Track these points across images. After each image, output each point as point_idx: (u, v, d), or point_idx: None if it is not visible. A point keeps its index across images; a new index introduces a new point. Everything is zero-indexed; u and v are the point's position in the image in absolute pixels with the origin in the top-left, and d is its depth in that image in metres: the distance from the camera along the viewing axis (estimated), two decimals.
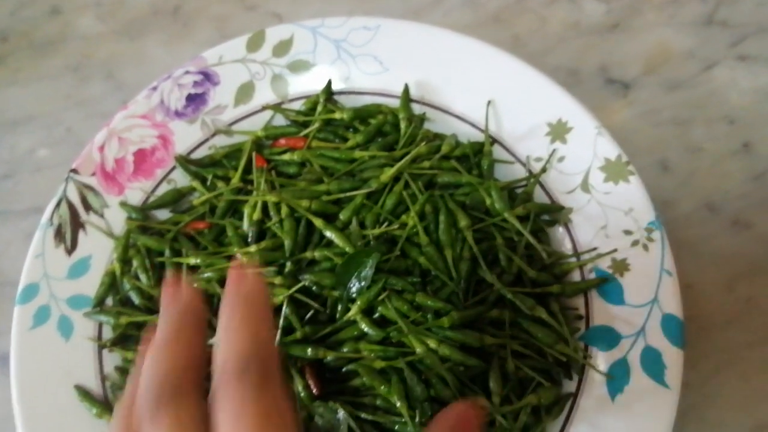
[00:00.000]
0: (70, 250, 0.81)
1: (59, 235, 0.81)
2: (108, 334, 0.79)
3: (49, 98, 1.09)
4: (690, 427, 0.78)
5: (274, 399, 0.47)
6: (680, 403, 0.66)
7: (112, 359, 0.78)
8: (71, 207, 0.82)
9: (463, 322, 0.71)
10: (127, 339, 0.79)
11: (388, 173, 0.77)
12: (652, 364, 0.67)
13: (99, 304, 0.80)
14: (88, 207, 0.83)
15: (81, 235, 0.81)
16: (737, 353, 0.81)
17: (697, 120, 0.94)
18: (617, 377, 0.68)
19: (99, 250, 0.82)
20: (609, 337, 0.70)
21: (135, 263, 0.81)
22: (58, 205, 0.82)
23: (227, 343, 0.51)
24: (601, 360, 0.70)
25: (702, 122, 0.93)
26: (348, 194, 0.77)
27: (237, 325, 0.53)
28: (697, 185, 0.89)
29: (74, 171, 0.83)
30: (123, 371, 0.78)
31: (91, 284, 0.80)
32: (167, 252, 0.80)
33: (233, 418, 0.44)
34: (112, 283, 0.81)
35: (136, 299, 0.80)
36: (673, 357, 0.67)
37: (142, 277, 0.80)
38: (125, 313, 0.78)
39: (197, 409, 0.49)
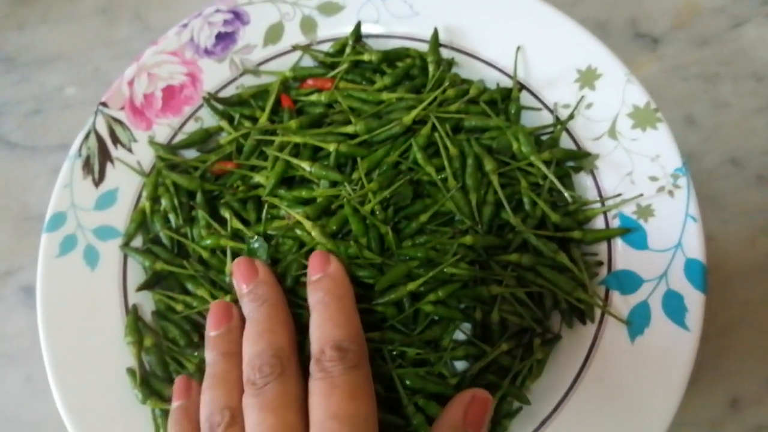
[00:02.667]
0: (98, 182, 0.82)
1: (87, 166, 0.81)
2: (132, 266, 0.80)
3: (78, 38, 1.09)
4: (706, 377, 0.79)
5: (364, 378, 0.59)
6: (698, 353, 0.66)
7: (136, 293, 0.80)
8: (100, 139, 0.83)
9: (484, 245, 0.72)
10: (159, 282, 0.80)
11: (412, 114, 0.77)
12: (674, 307, 0.68)
13: (129, 240, 0.81)
14: (116, 140, 0.83)
15: (108, 167, 0.82)
16: (756, 306, 0.81)
17: (725, 76, 0.93)
18: (637, 320, 0.69)
19: (126, 183, 0.83)
20: (630, 281, 0.71)
21: (164, 201, 0.81)
22: (86, 137, 0.82)
23: (324, 331, 0.58)
24: (622, 303, 0.70)
25: (729, 78, 0.93)
26: (374, 134, 0.78)
27: (332, 314, 0.59)
28: (723, 140, 0.89)
29: (103, 104, 0.84)
30: (159, 315, 0.79)
31: (117, 216, 0.81)
32: (199, 195, 0.81)
33: (327, 393, 0.57)
34: (142, 221, 0.82)
35: (165, 240, 0.81)
36: (694, 300, 0.67)
37: (171, 217, 0.81)
38: (161, 258, 0.79)
39: (298, 386, 0.57)
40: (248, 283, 0.69)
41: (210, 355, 0.68)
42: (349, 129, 0.79)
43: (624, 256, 0.73)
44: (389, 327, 0.72)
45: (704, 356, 0.78)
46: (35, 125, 1.04)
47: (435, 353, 0.71)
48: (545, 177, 0.75)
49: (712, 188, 0.86)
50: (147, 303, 0.80)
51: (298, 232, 0.74)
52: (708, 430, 0.78)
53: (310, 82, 0.86)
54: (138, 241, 0.82)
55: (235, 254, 0.77)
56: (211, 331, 0.69)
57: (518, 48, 0.82)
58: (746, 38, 0.96)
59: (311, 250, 0.73)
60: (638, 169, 0.74)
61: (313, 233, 0.72)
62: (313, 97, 0.85)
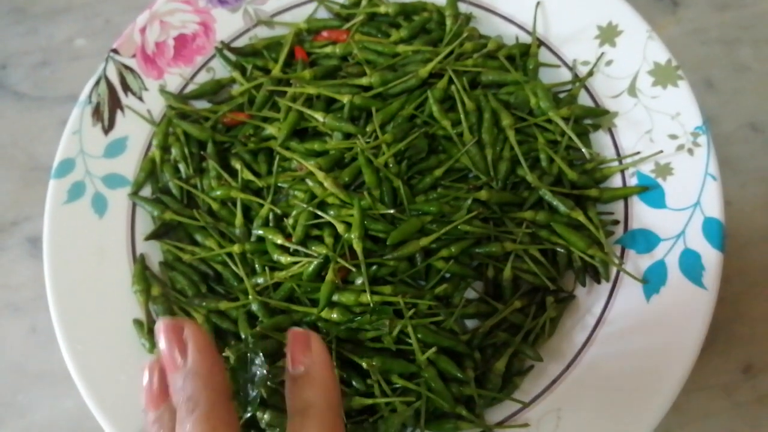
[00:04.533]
0: (107, 130, 0.80)
1: (97, 113, 0.80)
2: (141, 215, 0.79)
3: None
4: (720, 341, 0.78)
5: None
6: (712, 317, 0.65)
7: (144, 243, 0.79)
8: (110, 86, 0.81)
9: (499, 201, 0.72)
10: (167, 232, 0.79)
11: (429, 67, 0.76)
12: (691, 266, 0.67)
13: (138, 189, 0.80)
14: (126, 88, 0.82)
15: (119, 115, 0.81)
16: None
17: (745, 40, 0.92)
18: (654, 279, 0.68)
19: (136, 131, 0.81)
20: (647, 240, 0.70)
21: (174, 151, 0.80)
22: (97, 83, 0.81)
23: None
24: (638, 262, 0.69)
25: (749, 42, 0.92)
26: (390, 86, 0.76)
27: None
28: (742, 104, 0.88)
29: (115, 51, 0.83)
30: (167, 265, 0.78)
31: (127, 165, 0.80)
32: (210, 145, 0.80)
33: None
34: (152, 170, 0.81)
35: (174, 190, 0.80)
36: (712, 259, 0.66)
37: (181, 166, 0.80)
38: (170, 207, 0.78)
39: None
40: (174, 371, 0.51)
41: None
42: (364, 81, 0.78)
43: (641, 214, 0.71)
44: (400, 282, 0.71)
45: (718, 321, 0.77)
46: (44, 76, 1.03)
47: (446, 309, 0.70)
48: (563, 134, 0.74)
49: (730, 152, 0.85)
50: (155, 253, 0.79)
51: (310, 183, 0.73)
52: (720, 395, 0.77)
53: (324, 34, 0.85)
54: (147, 191, 0.81)
55: (246, 207, 0.76)
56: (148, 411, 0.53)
57: (537, 3, 0.80)
58: (766, 2, 0.94)
59: (322, 202, 0.72)
60: (658, 127, 0.73)
61: (326, 183, 0.71)
62: (328, 49, 0.83)
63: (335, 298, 0.69)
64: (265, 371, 0.65)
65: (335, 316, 0.68)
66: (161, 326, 0.52)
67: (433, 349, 0.66)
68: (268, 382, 0.66)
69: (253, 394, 0.61)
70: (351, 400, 0.66)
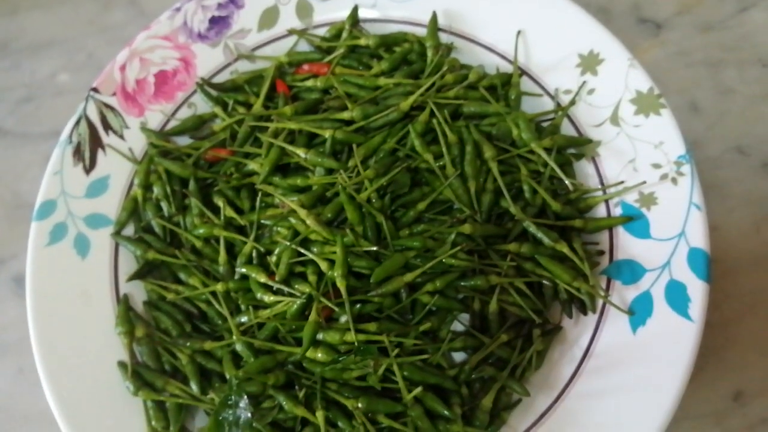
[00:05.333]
0: (89, 169, 0.80)
1: (78, 153, 0.80)
2: (124, 255, 0.78)
3: (71, 23, 1.08)
4: (710, 368, 0.77)
5: None
6: (701, 344, 0.64)
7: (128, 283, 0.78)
8: (91, 126, 0.81)
9: (483, 234, 0.71)
10: (151, 271, 0.79)
11: (410, 100, 0.76)
12: (677, 297, 0.66)
13: (120, 228, 0.79)
14: (107, 126, 0.82)
15: (100, 154, 0.81)
16: (761, 297, 0.80)
17: (730, 62, 0.92)
18: (640, 310, 0.67)
19: (118, 170, 0.81)
20: (633, 271, 0.69)
21: (156, 189, 0.80)
22: (77, 123, 0.81)
23: None
24: (624, 293, 0.69)
25: (734, 64, 0.91)
26: (371, 120, 0.76)
27: None
28: (728, 127, 0.87)
29: (95, 90, 0.82)
30: (150, 305, 0.78)
31: (109, 204, 0.80)
32: (192, 182, 0.79)
33: None
34: (134, 209, 0.80)
35: (157, 228, 0.80)
36: (698, 290, 0.66)
37: (164, 205, 0.80)
38: (153, 246, 0.77)
39: None
40: None
41: None
42: (345, 115, 0.78)
43: (626, 245, 0.71)
44: (386, 317, 0.70)
45: (707, 348, 0.76)
46: (27, 112, 1.03)
47: (433, 344, 0.70)
48: (546, 164, 0.74)
49: (717, 176, 0.85)
50: (139, 293, 0.78)
51: (293, 220, 0.73)
52: (711, 423, 0.76)
53: (305, 67, 0.85)
54: (129, 230, 0.80)
55: (229, 244, 0.75)
56: None
57: (519, 32, 0.80)
58: (751, 24, 0.94)
59: (305, 239, 0.72)
60: (641, 156, 0.72)
61: (308, 221, 0.71)
62: (309, 83, 0.83)
63: (320, 337, 0.68)
64: (249, 414, 0.64)
65: (320, 356, 0.68)
66: None
67: (419, 389, 0.65)
68: (253, 424, 0.65)
69: None
70: None
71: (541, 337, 0.70)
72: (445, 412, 0.66)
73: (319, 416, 0.66)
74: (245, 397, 0.64)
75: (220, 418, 0.64)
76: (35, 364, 0.71)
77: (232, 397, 0.65)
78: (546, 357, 0.71)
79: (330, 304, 0.68)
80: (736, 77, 0.90)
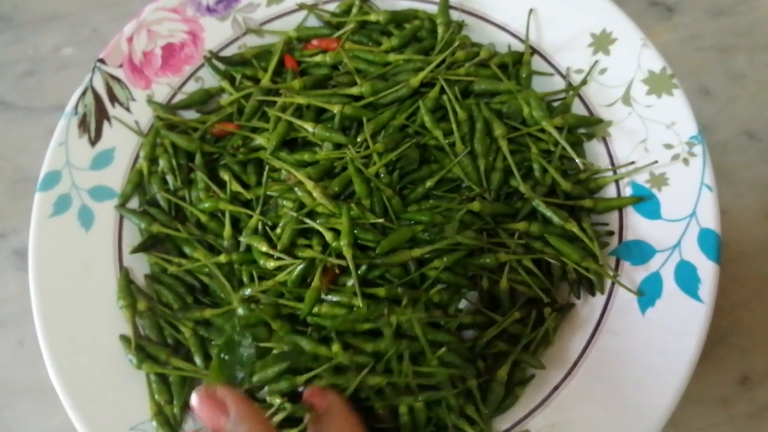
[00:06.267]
0: (94, 141, 0.79)
1: (83, 124, 0.79)
2: (128, 228, 0.78)
3: None
4: (717, 352, 0.77)
5: None
6: (709, 328, 0.64)
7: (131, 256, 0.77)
8: (97, 97, 0.80)
9: (492, 212, 0.70)
10: (155, 244, 0.78)
11: (420, 76, 0.75)
12: (686, 278, 0.66)
13: (125, 201, 0.79)
14: (113, 98, 0.81)
15: (105, 126, 0.80)
16: None
17: (740, 47, 0.91)
18: (649, 291, 0.67)
19: (123, 142, 0.80)
20: (642, 252, 0.69)
21: (162, 162, 0.79)
22: (83, 94, 0.80)
23: None
24: (633, 274, 0.68)
25: (745, 49, 0.91)
26: (380, 96, 0.75)
27: None
28: (738, 112, 0.87)
29: (101, 61, 0.81)
30: (152, 278, 0.77)
31: (114, 176, 0.79)
32: (198, 156, 0.78)
33: None
34: (139, 182, 0.79)
35: (162, 202, 0.79)
36: (708, 271, 0.65)
37: (169, 178, 0.79)
38: (157, 220, 0.77)
39: None
40: (219, 427, 0.54)
41: None
42: (355, 90, 0.77)
43: (636, 225, 0.70)
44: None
45: (714, 332, 0.75)
46: (30, 86, 1.02)
47: (445, 317, 0.69)
48: (556, 143, 0.73)
49: (726, 161, 0.84)
50: (143, 267, 0.77)
51: (299, 192, 0.72)
52: (717, 407, 0.76)
53: (314, 42, 0.84)
54: (134, 203, 0.79)
55: (234, 219, 0.75)
56: None
57: (530, 11, 0.79)
58: (763, 9, 0.93)
59: (311, 212, 0.71)
60: (652, 137, 0.72)
61: (314, 193, 0.70)
62: (318, 58, 0.82)
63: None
64: (252, 351, 0.63)
65: (326, 310, 0.68)
66: (197, 398, 0.55)
67: (444, 349, 0.65)
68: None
69: (242, 376, 0.60)
70: None
71: (553, 314, 0.70)
72: (468, 371, 0.66)
73: (336, 348, 0.66)
74: (248, 336, 0.63)
75: (224, 359, 0.63)
76: (36, 338, 0.70)
77: (235, 338, 0.64)
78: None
79: (336, 262, 0.68)
80: (746, 62, 0.90)
